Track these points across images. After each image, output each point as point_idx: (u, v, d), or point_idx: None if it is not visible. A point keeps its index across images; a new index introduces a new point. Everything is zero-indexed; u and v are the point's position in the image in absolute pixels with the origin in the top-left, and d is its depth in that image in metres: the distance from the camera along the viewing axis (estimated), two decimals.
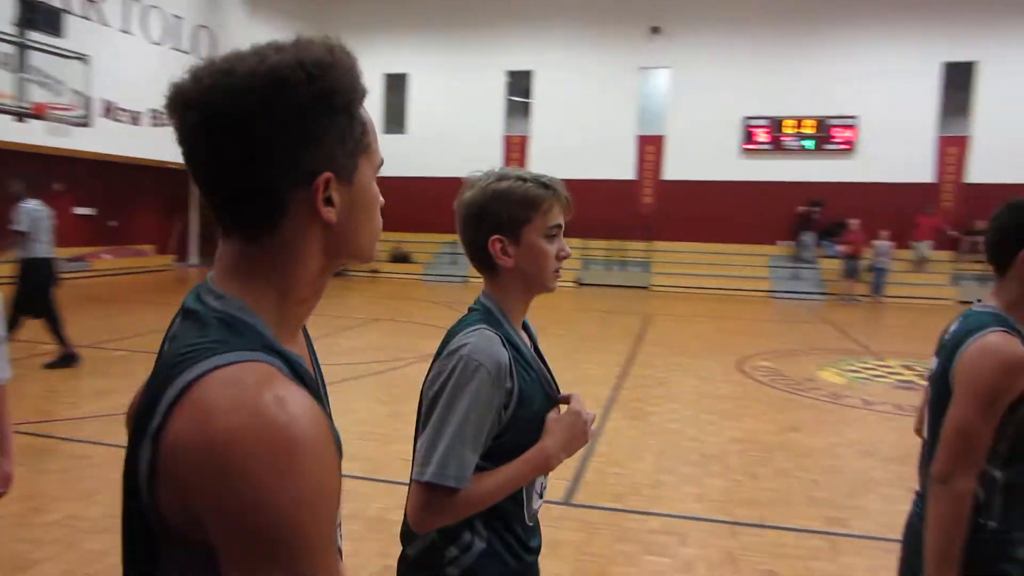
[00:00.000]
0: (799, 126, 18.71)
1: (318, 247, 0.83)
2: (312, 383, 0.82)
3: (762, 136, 18.91)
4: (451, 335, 1.50)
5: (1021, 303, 1.72)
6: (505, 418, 1.44)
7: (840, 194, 18.06)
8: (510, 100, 20.66)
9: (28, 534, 3.65)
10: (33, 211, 7.10)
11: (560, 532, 3.76)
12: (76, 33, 14.45)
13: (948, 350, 1.75)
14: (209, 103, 0.76)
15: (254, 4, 19.78)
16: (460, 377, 1.40)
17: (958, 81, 17.91)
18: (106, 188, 18.00)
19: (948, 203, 17.98)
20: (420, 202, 17.26)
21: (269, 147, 0.76)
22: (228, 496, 0.66)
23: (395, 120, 20.90)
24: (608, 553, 3.59)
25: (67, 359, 7.21)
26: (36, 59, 13.61)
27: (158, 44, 16.97)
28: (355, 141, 0.83)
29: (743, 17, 18.76)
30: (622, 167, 19.37)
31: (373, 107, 21.38)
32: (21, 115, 13.24)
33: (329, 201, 0.81)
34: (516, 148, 20.29)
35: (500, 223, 1.50)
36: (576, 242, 19.13)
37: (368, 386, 7.32)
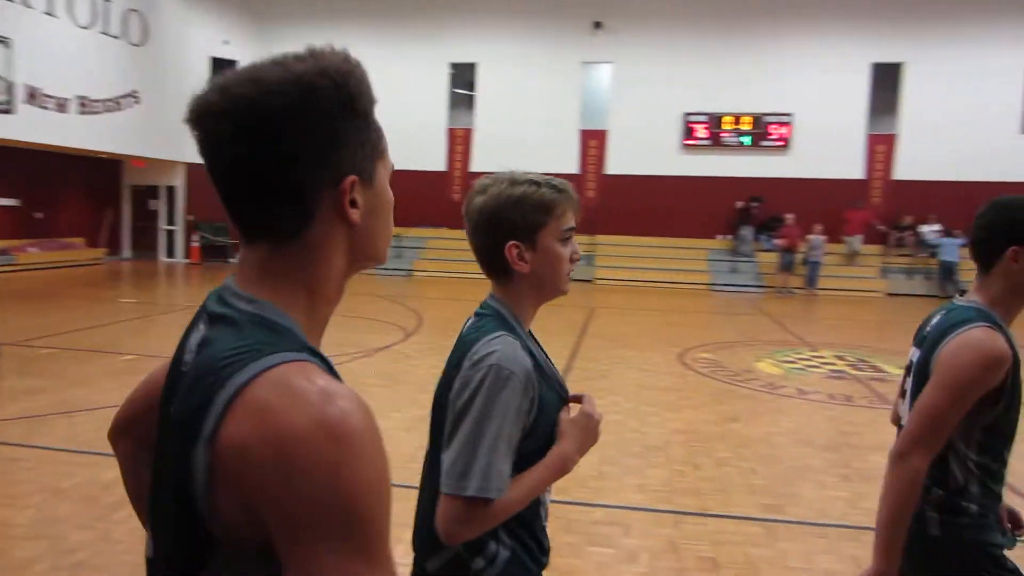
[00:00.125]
0: (737, 123, 19.13)
1: (343, 248, 0.87)
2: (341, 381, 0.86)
3: (702, 132, 19.28)
4: (468, 342, 1.47)
5: (1004, 299, 1.78)
6: (528, 424, 1.42)
7: (776, 189, 18.56)
8: (454, 92, 20.56)
9: None
10: None
11: None
12: None
13: (930, 342, 1.80)
14: (241, 113, 0.78)
15: None
16: (492, 387, 1.37)
17: (886, 81, 18.58)
18: (31, 178, 17.24)
19: (877, 199, 18.66)
20: None
21: (300, 152, 0.80)
22: (298, 489, 0.69)
23: None
24: (552, 545, 3.57)
25: None
26: None
27: (86, 28, 16.29)
28: (372, 145, 0.87)
29: (683, 14, 19.06)
30: (565, 161, 19.49)
31: None
32: None
33: (354, 203, 0.85)
34: (460, 141, 20.22)
35: (515, 228, 1.48)
36: None
37: None
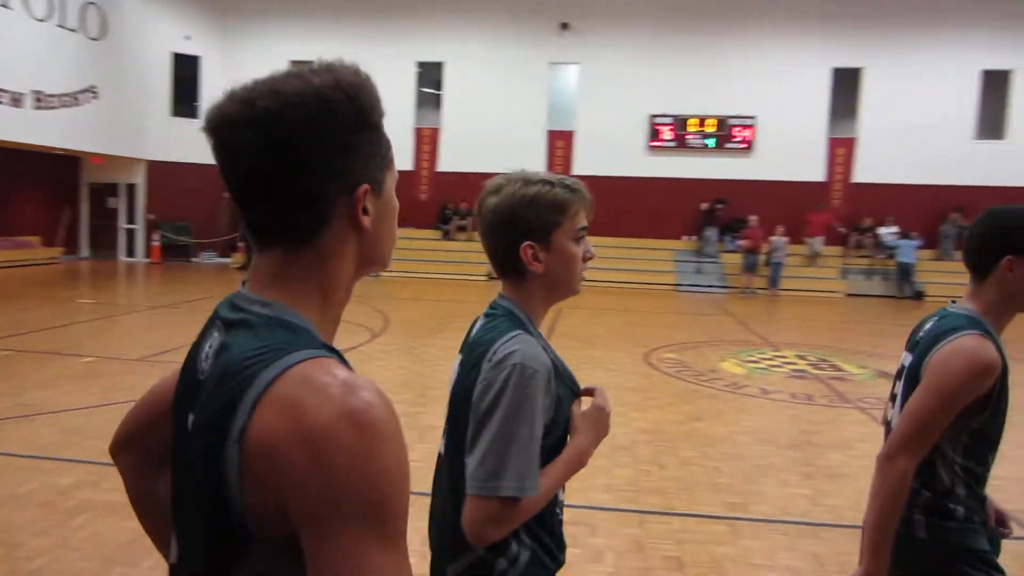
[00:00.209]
0: (702, 125, 19.36)
1: (353, 252, 0.91)
2: None
3: (667, 134, 19.47)
4: (484, 343, 1.46)
5: (996, 308, 1.82)
6: (547, 421, 1.42)
7: (740, 191, 18.83)
8: (421, 91, 20.46)
9: None
10: None
11: None
12: None
13: (923, 347, 1.83)
14: (265, 124, 0.82)
15: None
16: (518, 386, 1.37)
17: (846, 86, 18.97)
18: None
19: (837, 201, 19.03)
20: None
21: (319, 161, 0.85)
22: (324, 476, 0.73)
23: None
24: None
25: None
26: None
27: (42, 20, 15.89)
28: (382, 156, 0.92)
29: (649, 17, 19.23)
30: (533, 161, 19.51)
31: None
32: None
33: (365, 210, 0.89)
34: (427, 140, 20.14)
35: (530, 229, 1.48)
36: None
37: None
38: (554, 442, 1.45)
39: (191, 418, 0.85)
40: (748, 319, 13.03)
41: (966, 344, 1.73)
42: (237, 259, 19.27)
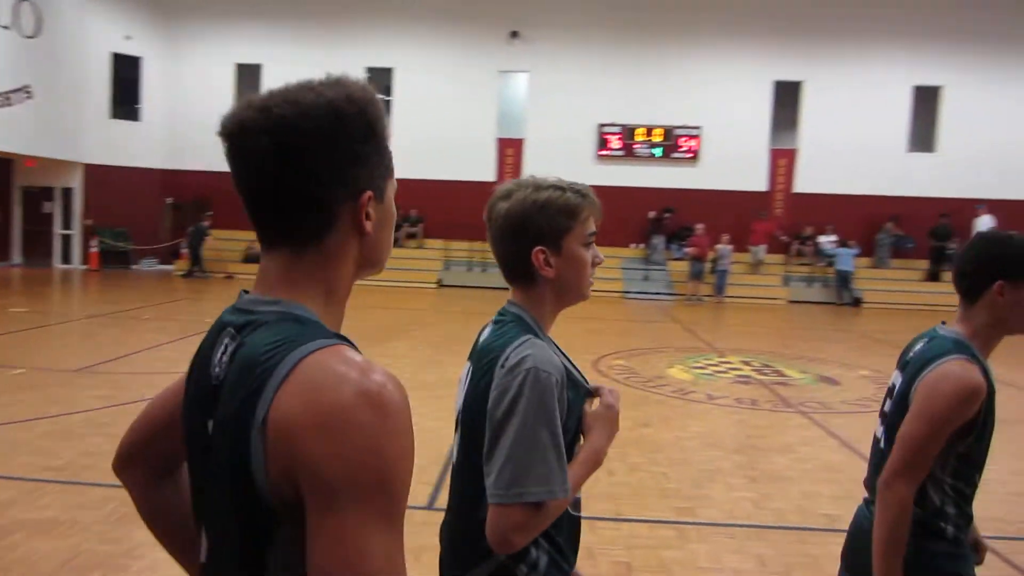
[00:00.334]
0: (649, 134, 19.67)
1: (353, 255, 0.97)
2: None
3: (615, 143, 19.72)
4: (495, 349, 1.46)
5: (985, 331, 1.86)
6: (562, 424, 1.42)
7: (686, 200, 19.17)
8: None
9: None
10: None
11: (422, 538, 3.71)
12: None
13: (912, 370, 1.87)
14: (280, 131, 0.88)
15: None
16: (533, 391, 1.36)
17: (787, 98, 19.53)
18: None
19: (779, 210, 19.55)
20: None
21: (328, 168, 0.90)
22: (338, 452, 0.77)
23: None
24: None
25: None
26: None
27: None
28: (385, 166, 0.98)
29: (598, 27, 19.47)
30: (483, 169, 19.56)
31: (224, 98, 20.32)
32: None
33: (368, 216, 0.95)
34: None
35: (542, 234, 1.49)
36: (437, 243, 19.13)
37: None
38: (566, 445, 1.44)
39: (211, 422, 0.89)
40: (694, 326, 13.26)
41: (953, 370, 1.77)
42: (180, 266, 18.77)
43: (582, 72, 19.44)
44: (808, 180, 19.24)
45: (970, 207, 18.09)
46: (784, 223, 19.28)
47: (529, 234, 1.49)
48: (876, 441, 2.02)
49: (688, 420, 6.62)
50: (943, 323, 1.96)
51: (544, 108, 19.57)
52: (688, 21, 19.34)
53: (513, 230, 1.50)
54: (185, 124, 19.90)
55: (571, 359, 1.56)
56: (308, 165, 0.89)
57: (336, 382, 0.81)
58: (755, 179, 19.51)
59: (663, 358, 9.59)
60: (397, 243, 19.23)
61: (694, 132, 19.50)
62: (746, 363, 9.44)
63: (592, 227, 1.56)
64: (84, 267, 18.88)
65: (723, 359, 9.73)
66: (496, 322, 1.55)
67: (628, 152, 19.71)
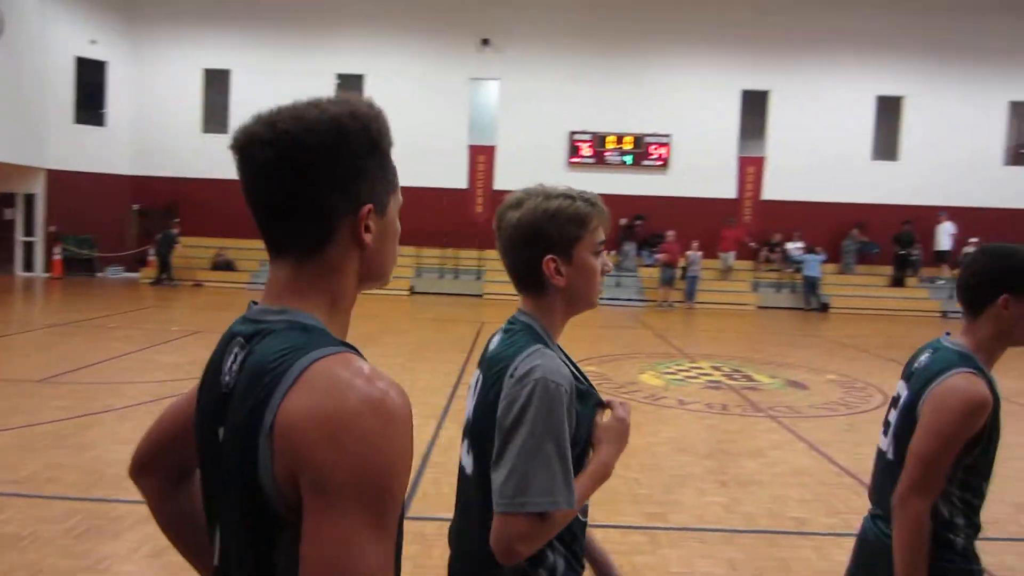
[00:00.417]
0: (619, 142, 19.82)
1: (354, 267, 1.00)
2: None
3: (586, 150, 19.84)
4: (504, 358, 1.45)
5: (988, 344, 1.88)
6: (570, 435, 1.42)
7: (657, 207, 19.34)
8: None
9: None
10: None
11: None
12: None
13: (918, 383, 1.88)
14: (285, 144, 0.92)
15: None
16: (542, 401, 1.36)
17: (755, 107, 19.82)
18: None
19: (748, 217, 19.81)
20: (245, 207, 16.40)
21: (330, 181, 0.94)
22: (339, 454, 0.80)
23: (216, 119, 19.62)
24: (444, 564, 3.57)
25: None
26: None
27: None
28: (388, 181, 1.01)
29: (568, 35, 19.59)
30: (455, 176, 19.55)
31: (192, 104, 20.08)
32: None
33: (367, 228, 0.98)
34: None
35: (552, 243, 1.49)
36: (409, 250, 19.04)
37: None
38: (575, 457, 1.45)
39: (222, 430, 0.92)
40: (665, 332, 13.36)
41: (959, 384, 1.79)
42: (147, 274, 18.46)
43: (553, 80, 19.54)
44: (776, 188, 19.53)
45: (932, 214, 18.52)
46: (753, 230, 19.53)
47: (540, 243, 1.50)
48: (881, 453, 2.02)
49: (659, 425, 6.66)
50: (947, 334, 1.97)
51: (515, 115, 19.63)
52: (658, 31, 19.56)
53: (524, 239, 1.51)
54: (152, 129, 19.61)
55: (580, 368, 1.57)
56: (310, 178, 0.93)
57: (341, 388, 0.83)
58: (724, 187, 19.74)
59: (634, 364, 9.64)
60: None
61: (664, 140, 19.70)
62: (716, 368, 9.53)
63: (601, 236, 1.57)
64: (47, 275, 18.48)
65: (694, 364, 9.81)
66: (506, 331, 1.55)
67: (599, 160, 19.84)
